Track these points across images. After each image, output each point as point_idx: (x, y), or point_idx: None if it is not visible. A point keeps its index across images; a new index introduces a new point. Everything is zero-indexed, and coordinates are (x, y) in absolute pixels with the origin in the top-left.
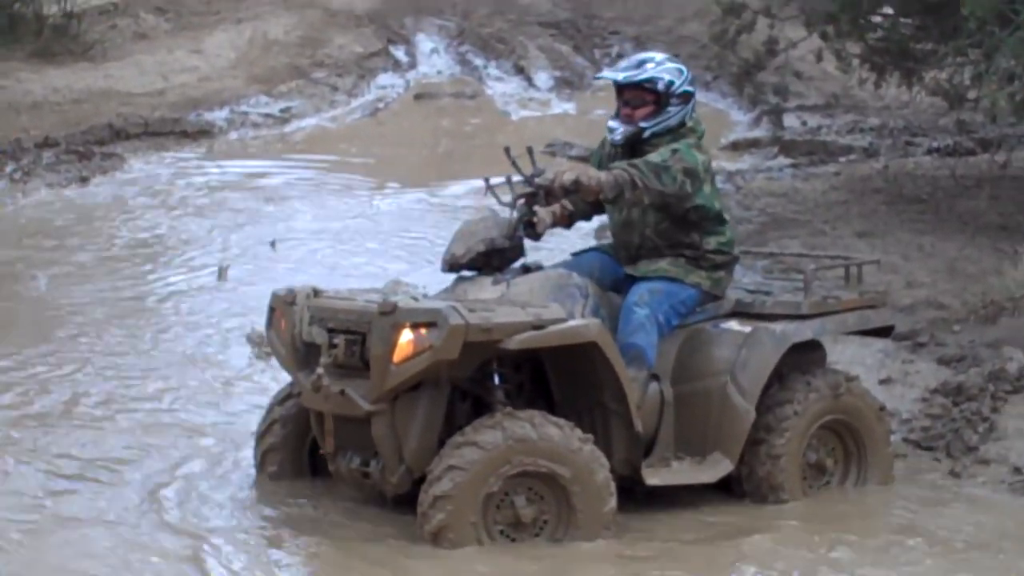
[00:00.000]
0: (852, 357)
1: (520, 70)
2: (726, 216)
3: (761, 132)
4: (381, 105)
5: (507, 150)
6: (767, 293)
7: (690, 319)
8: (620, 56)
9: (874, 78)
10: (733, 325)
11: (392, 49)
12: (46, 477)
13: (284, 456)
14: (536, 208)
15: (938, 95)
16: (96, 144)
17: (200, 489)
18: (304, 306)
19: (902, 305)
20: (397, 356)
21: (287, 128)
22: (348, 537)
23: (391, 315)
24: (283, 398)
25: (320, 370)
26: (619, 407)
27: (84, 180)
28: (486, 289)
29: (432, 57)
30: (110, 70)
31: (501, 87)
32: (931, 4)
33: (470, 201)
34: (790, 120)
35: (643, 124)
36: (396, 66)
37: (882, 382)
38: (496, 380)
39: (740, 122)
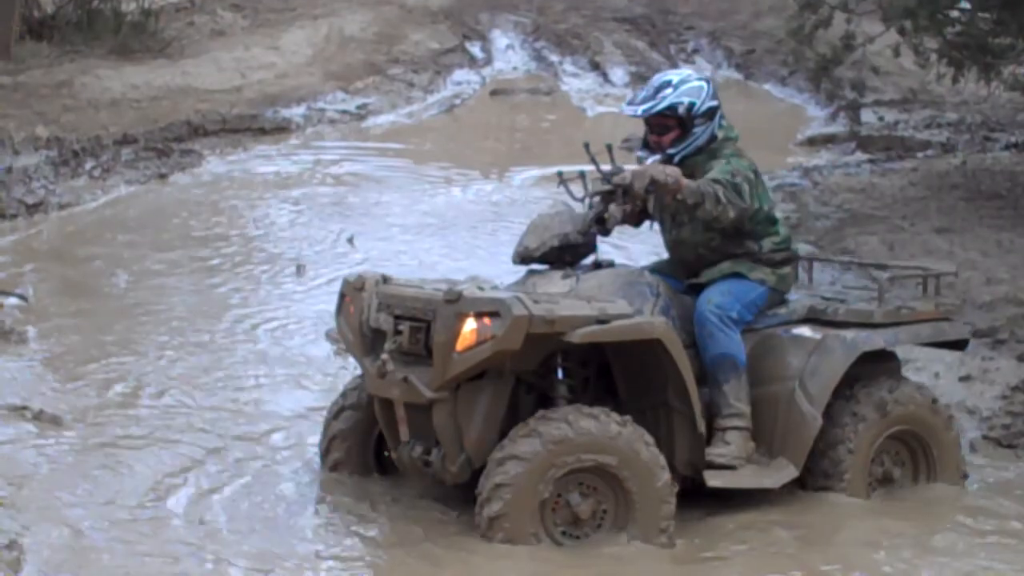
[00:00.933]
0: (931, 355)
1: (596, 66)
2: (777, 215)
3: (838, 127)
4: (457, 101)
5: (587, 146)
6: (842, 301)
7: (762, 322)
8: (696, 51)
9: (952, 73)
10: (805, 331)
11: (468, 45)
12: (145, 473)
13: (350, 446)
14: (611, 205)
15: (1016, 90)
16: (174, 141)
17: (268, 481)
18: (372, 292)
19: (981, 302)
20: (460, 344)
21: (364, 124)
22: (411, 530)
23: (456, 303)
24: (350, 389)
25: (385, 356)
26: (683, 407)
27: (163, 177)
28: (556, 283)
29: (508, 53)
30: (187, 67)
31: (577, 83)
32: None
33: (543, 193)
34: (867, 115)
35: (671, 151)
36: (472, 62)
37: (962, 379)
38: (560, 375)
39: (817, 117)
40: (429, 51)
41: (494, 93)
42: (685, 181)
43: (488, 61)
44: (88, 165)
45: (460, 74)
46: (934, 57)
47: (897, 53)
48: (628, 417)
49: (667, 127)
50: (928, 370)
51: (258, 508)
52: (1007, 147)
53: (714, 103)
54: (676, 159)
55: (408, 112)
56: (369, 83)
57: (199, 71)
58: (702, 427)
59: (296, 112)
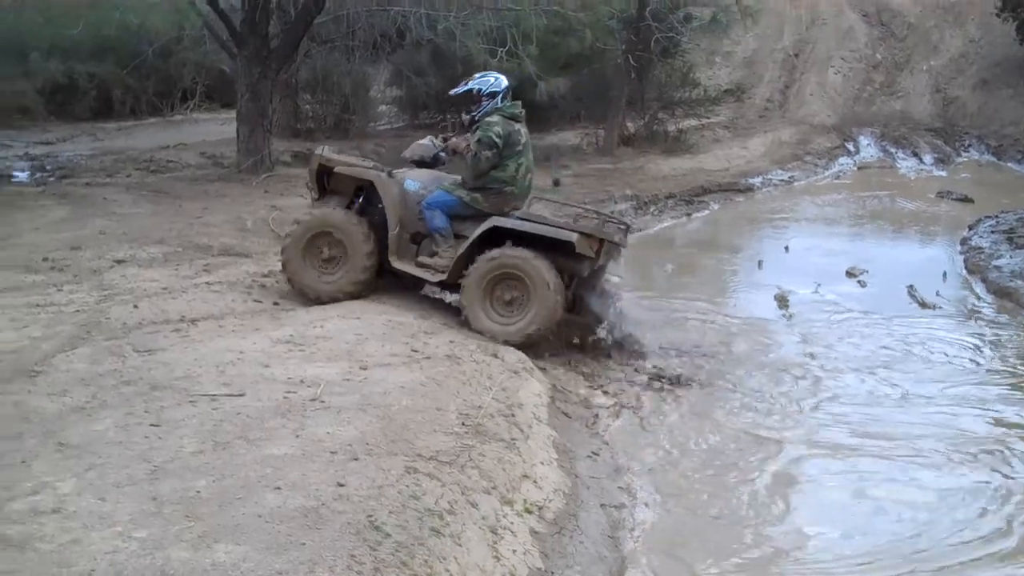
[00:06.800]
0: None
1: (915, 154)
2: (509, 162)
3: None
4: (841, 173)
5: (442, 138)
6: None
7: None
8: (969, 145)
9: None
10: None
11: (846, 144)
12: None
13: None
14: (443, 153)
15: None
16: (694, 196)
17: None
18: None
19: None
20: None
21: (792, 186)
22: None
23: (317, 155)
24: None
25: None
26: (388, 224)
27: (688, 215)
28: (404, 170)
29: (867, 148)
30: (700, 158)
31: (904, 163)
32: None
33: (879, 205)
34: None
35: (474, 114)
36: (848, 153)
37: None
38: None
39: None
40: (825, 148)
41: (860, 168)
42: (471, 144)
43: (856, 152)
44: (651, 209)
45: (842, 159)
46: None
47: None
48: (354, 214)
49: (470, 100)
50: None
51: None
52: None
53: (496, 89)
54: (476, 118)
55: (815, 179)
56: (794, 164)
57: (706, 160)
58: (392, 236)
59: (755, 180)
